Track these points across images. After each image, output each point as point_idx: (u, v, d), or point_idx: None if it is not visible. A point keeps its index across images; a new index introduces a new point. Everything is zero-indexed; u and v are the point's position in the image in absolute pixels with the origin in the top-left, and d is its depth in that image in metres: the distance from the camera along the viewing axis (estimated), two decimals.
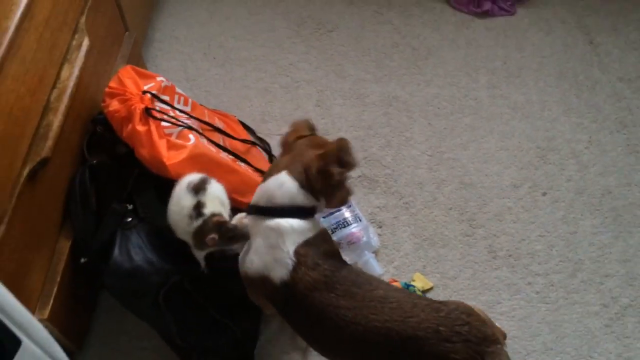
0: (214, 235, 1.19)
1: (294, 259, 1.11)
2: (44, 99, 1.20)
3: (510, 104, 1.92)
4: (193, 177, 1.27)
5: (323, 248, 1.15)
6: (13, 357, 0.83)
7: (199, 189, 1.24)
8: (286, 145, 1.24)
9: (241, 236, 1.20)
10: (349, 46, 2.06)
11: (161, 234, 1.29)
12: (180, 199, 1.24)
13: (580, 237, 1.63)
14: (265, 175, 1.22)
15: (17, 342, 0.83)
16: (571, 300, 1.52)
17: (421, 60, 2.03)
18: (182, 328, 1.28)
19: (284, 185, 1.16)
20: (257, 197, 1.19)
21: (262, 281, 1.13)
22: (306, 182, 1.16)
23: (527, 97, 1.94)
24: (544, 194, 1.71)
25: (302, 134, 1.23)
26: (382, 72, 1.99)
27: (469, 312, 1.07)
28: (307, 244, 1.13)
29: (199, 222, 1.21)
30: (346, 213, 1.57)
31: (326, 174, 1.14)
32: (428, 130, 1.84)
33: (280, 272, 1.11)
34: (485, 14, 2.17)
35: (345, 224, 1.56)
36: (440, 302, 1.08)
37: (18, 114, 1.09)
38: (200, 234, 1.21)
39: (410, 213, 1.67)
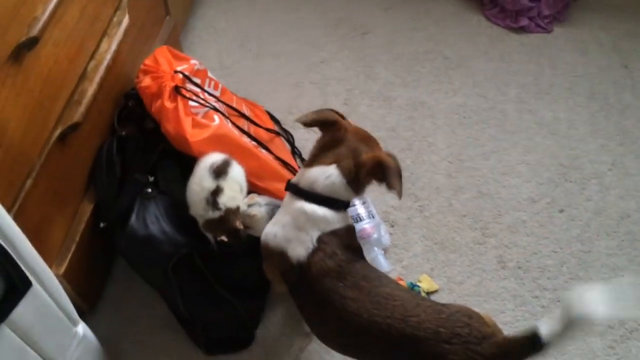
0: (223, 238, 1.23)
1: (315, 244, 1.13)
2: (81, 67, 1.27)
3: (537, 119, 1.92)
4: (216, 157, 1.30)
5: (345, 241, 1.17)
6: (22, 297, 0.89)
7: (220, 172, 1.27)
8: (336, 131, 1.21)
9: (247, 241, 1.23)
10: (381, 49, 2.09)
11: (178, 208, 1.34)
12: (202, 179, 1.27)
13: (593, 257, 1.62)
14: (311, 158, 1.22)
15: (27, 284, 0.89)
16: None
17: (451, 69, 2.05)
18: (188, 300, 1.33)
19: (330, 177, 1.17)
20: (300, 178, 1.20)
21: (280, 256, 1.16)
22: (353, 179, 1.18)
23: (555, 115, 1.94)
24: (561, 211, 1.71)
25: (348, 127, 1.23)
26: (412, 77, 2.02)
27: (471, 314, 1.07)
28: (332, 233, 1.16)
29: (215, 214, 1.24)
30: (360, 209, 1.60)
31: (376, 177, 1.17)
32: (451, 138, 1.86)
33: (298, 252, 1.13)
34: (522, 30, 2.18)
35: (358, 219, 1.58)
36: (443, 305, 1.10)
37: (55, 77, 1.16)
38: (211, 226, 1.25)
39: (423, 216, 1.68)
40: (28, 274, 0.90)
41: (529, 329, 1.00)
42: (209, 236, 1.29)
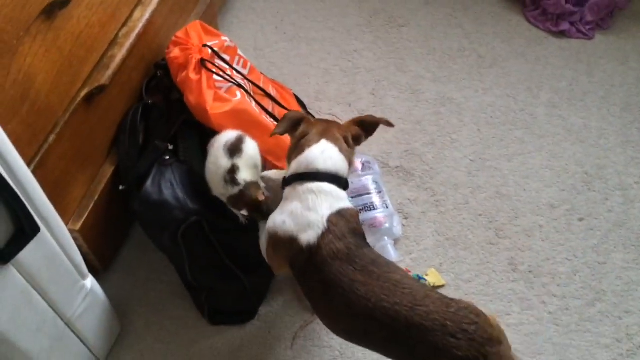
0: (244, 212, 1.27)
1: (325, 225, 1.14)
2: (112, 32, 1.32)
3: (567, 125, 1.89)
4: (229, 135, 1.33)
5: (352, 225, 1.18)
6: (29, 241, 0.93)
7: (235, 150, 1.29)
8: (306, 124, 1.28)
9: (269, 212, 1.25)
10: (415, 43, 2.09)
11: (193, 177, 1.38)
12: (218, 158, 1.29)
13: (608, 268, 1.58)
14: (290, 152, 1.27)
15: (35, 229, 0.94)
16: (584, 328, 1.49)
17: (484, 68, 2.03)
18: (195, 267, 1.37)
19: (325, 151, 1.21)
20: (295, 167, 1.22)
21: (290, 242, 1.17)
22: (343, 147, 1.24)
23: (586, 122, 1.90)
24: (581, 219, 1.67)
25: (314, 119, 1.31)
26: (443, 73, 2.00)
27: (478, 313, 1.07)
28: (339, 214, 1.17)
29: (235, 190, 1.27)
30: (375, 197, 1.61)
31: (364, 132, 1.30)
32: (476, 136, 1.85)
33: (309, 235, 1.14)
34: (562, 34, 2.13)
35: (371, 207, 1.59)
36: (452, 299, 1.09)
37: (85, 39, 1.20)
38: (234, 201, 1.28)
39: (439, 211, 1.68)
40: (38, 220, 0.95)
41: None
42: (237, 213, 1.32)
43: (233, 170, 1.28)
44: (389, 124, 1.31)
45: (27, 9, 1.01)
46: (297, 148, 1.24)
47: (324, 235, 1.14)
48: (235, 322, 1.48)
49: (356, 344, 1.20)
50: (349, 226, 1.17)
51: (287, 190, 1.23)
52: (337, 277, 1.11)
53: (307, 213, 1.16)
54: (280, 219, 1.20)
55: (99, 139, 1.38)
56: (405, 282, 1.11)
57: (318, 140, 1.22)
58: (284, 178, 1.25)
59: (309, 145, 1.22)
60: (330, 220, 1.15)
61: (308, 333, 1.46)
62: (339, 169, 1.21)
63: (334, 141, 1.23)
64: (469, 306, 1.08)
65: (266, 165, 1.48)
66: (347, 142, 1.26)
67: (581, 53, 2.08)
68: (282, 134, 1.27)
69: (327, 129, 1.26)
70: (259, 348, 1.44)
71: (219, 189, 1.30)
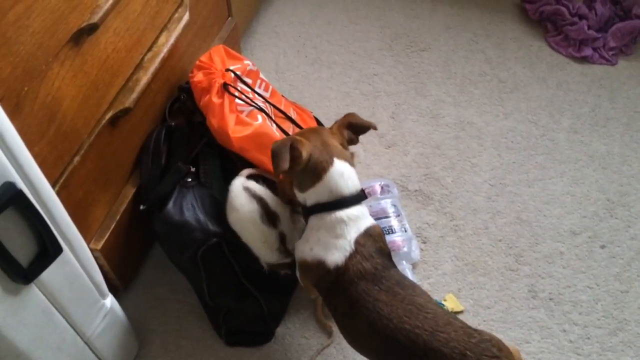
0: (287, 272, 1.29)
1: (353, 247, 1.15)
2: (138, 57, 1.35)
3: (589, 151, 1.87)
4: (248, 205, 1.30)
5: (379, 245, 1.19)
6: (52, 261, 0.95)
7: (271, 217, 1.30)
8: (303, 149, 1.18)
9: None
10: (436, 67, 2.10)
11: (214, 199, 1.40)
12: (263, 233, 1.30)
13: (631, 297, 1.55)
14: (301, 184, 1.20)
15: (58, 249, 0.96)
16: (605, 358, 1.46)
17: (505, 93, 2.02)
18: (213, 287, 1.38)
19: (344, 173, 1.18)
20: (316, 197, 1.19)
21: (317, 266, 1.18)
22: (351, 161, 1.23)
23: (608, 148, 1.88)
24: (603, 247, 1.65)
25: (302, 136, 1.22)
26: (463, 98, 2.01)
27: (501, 347, 1.06)
28: (367, 234, 1.17)
29: (288, 259, 1.30)
30: (393, 221, 1.61)
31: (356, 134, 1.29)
32: (496, 161, 1.84)
33: (336, 257, 1.15)
34: (584, 60, 2.13)
35: (390, 231, 1.59)
36: (475, 330, 1.09)
37: (112, 64, 1.24)
38: (281, 266, 1.31)
39: (457, 236, 1.67)
40: (61, 240, 0.97)
41: None
42: (265, 265, 1.35)
43: (283, 239, 1.30)
44: (374, 127, 1.30)
45: (56, 36, 1.04)
46: (311, 174, 1.18)
47: (351, 256, 1.14)
48: (252, 344, 1.48)
49: None
50: (375, 246, 1.18)
51: (313, 219, 1.21)
52: (362, 296, 1.12)
53: (335, 241, 1.17)
54: (307, 247, 1.20)
55: (122, 161, 1.40)
56: (428, 307, 1.11)
57: (331, 162, 1.18)
58: (305, 207, 1.23)
59: (325, 169, 1.17)
60: (358, 241, 1.16)
61: (325, 357, 1.46)
62: (357, 187, 1.21)
63: (344, 157, 1.21)
64: (492, 339, 1.07)
65: None
66: (344, 148, 1.24)
67: (603, 79, 2.07)
68: (287, 167, 1.14)
69: (326, 141, 1.21)
70: None
71: (271, 259, 1.32)
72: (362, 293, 1.12)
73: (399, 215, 1.63)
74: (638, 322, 1.51)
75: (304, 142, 1.18)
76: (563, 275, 1.60)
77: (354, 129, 1.28)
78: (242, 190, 1.32)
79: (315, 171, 1.18)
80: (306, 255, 1.20)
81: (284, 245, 1.31)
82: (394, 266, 1.19)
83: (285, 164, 1.12)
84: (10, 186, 0.82)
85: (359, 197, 1.21)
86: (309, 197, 1.20)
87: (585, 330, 1.50)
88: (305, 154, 1.16)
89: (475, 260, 1.62)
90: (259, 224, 1.30)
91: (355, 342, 1.20)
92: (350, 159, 1.23)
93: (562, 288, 1.57)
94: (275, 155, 1.14)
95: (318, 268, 1.17)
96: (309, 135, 1.22)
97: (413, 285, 1.16)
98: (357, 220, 1.18)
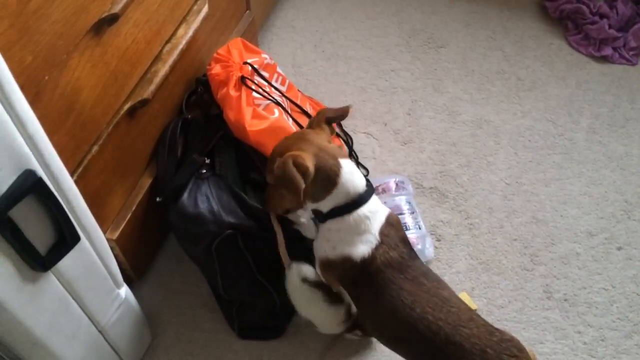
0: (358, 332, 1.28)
1: (379, 239, 1.15)
2: (157, 49, 1.35)
3: (608, 152, 1.85)
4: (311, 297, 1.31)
5: (401, 233, 1.20)
6: (70, 249, 0.96)
7: (335, 300, 1.30)
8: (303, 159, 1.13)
9: None
10: (454, 64, 2.08)
11: (229, 190, 1.40)
12: (331, 314, 1.31)
13: None
14: (314, 194, 1.16)
15: (76, 238, 0.96)
16: None
17: (523, 92, 2.01)
18: (227, 280, 1.38)
19: (353, 172, 1.17)
20: (334, 201, 1.16)
21: (343, 262, 1.17)
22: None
23: (627, 149, 1.86)
24: (619, 248, 1.63)
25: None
26: (481, 95, 1.99)
27: (521, 349, 1.06)
28: (388, 223, 1.17)
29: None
30: (407, 218, 1.60)
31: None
32: (512, 160, 1.82)
33: (362, 250, 1.14)
34: (604, 59, 2.10)
35: (404, 228, 1.57)
36: (497, 329, 1.08)
37: (131, 55, 1.24)
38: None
39: (472, 234, 1.66)
40: (78, 229, 0.98)
41: None
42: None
43: (349, 313, 1.30)
44: (348, 111, 1.25)
45: (77, 26, 1.04)
46: (324, 183, 1.14)
47: (377, 247, 1.14)
48: (264, 337, 1.48)
49: (399, 354, 1.20)
50: (398, 235, 1.19)
51: (331, 222, 1.18)
52: (387, 283, 1.12)
53: (359, 237, 1.16)
54: (329, 246, 1.19)
55: (139, 151, 1.41)
56: (453, 301, 1.11)
57: (339, 164, 1.14)
58: (320, 213, 1.20)
59: (337, 174, 1.14)
60: (382, 232, 1.16)
61: (336, 353, 1.45)
62: (364, 179, 1.20)
63: (343, 154, 1.18)
64: (512, 339, 1.07)
65: None
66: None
67: (623, 79, 2.04)
68: (304, 184, 1.11)
69: (321, 145, 1.16)
70: None
71: (338, 331, 1.33)
72: (388, 281, 1.12)
73: (413, 213, 1.62)
74: None
75: (304, 154, 1.11)
76: (578, 276, 1.58)
77: (331, 121, 1.25)
78: (301, 285, 1.29)
79: (328, 179, 1.14)
80: (329, 254, 1.19)
81: (350, 313, 1.31)
82: (418, 257, 1.19)
83: (301, 182, 1.07)
84: (31, 174, 0.82)
85: (371, 189, 1.20)
86: (326, 204, 1.17)
87: (600, 332, 1.49)
88: (311, 166, 1.11)
89: (489, 259, 1.61)
90: (326, 308, 1.28)
91: (377, 331, 1.21)
92: (345, 153, 1.22)
93: (578, 289, 1.56)
94: (287, 181, 1.08)
95: (344, 263, 1.17)
96: (301, 145, 1.15)
97: (438, 279, 1.16)
98: (376, 212, 1.17)
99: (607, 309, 1.52)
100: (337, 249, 1.18)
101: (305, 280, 1.29)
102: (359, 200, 1.17)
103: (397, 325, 1.11)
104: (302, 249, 1.33)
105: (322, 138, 1.19)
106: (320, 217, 1.21)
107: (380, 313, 1.14)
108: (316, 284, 1.29)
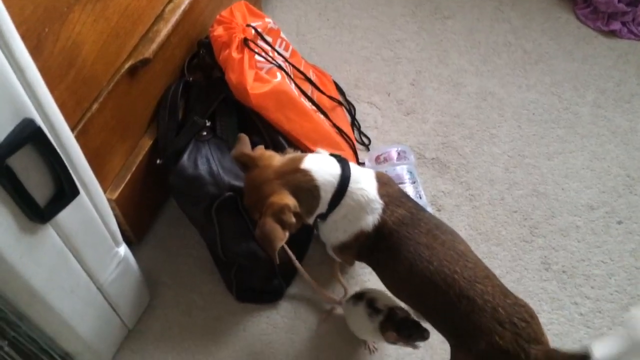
0: (392, 332, 1.23)
1: (381, 201, 1.15)
2: (159, 7, 1.34)
3: (612, 127, 1.83)
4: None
5: (396, 189, 1.20)
6: (69, 202, 0.96)
7: (377, 308, 1.28)
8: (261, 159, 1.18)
9: (418, 330, 1.20)
10: (460, 35, 2.06)
11: (228, 154, 1.39)
12: (373, 328, 1.27)
13: None
14: (302, 196, 1.14)
15: (75, 191, 0.96)
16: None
17: (529, 65, 1.98)
18: (226, 242, 1.38)
19: (320, 163, 1.16)
20: (327, 196, 1.15)
21: (356, 238, 1.17)
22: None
23: (632, 125, 1.84)
24: (620, 222, 1.63)
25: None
26: (486, 67, 1.97)
27: (533, 315, 1.06)
28: (381, 184, 1.18)
29: (380, 317, 1.25)
30: (408, 187, 1.60)
31: None
32: (516, 132, 1.81)
33: (371, 220, 1.14)
34: (612, 34, 2.07)
35: None
36: (512, 294, 1.09)
37: (133, 12, 1.23)
38: (382, 329, 1.27)
39: (473, 205, 1.66)
40: (78, 183, 0.97)
41: (581, 348, 0.94)
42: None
43: (372, 304, 1.28)
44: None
45: None
46: (310, 201, 1.15)
47: (384, 210, 1.15)
48: (262, 301, 1.49)
49: (416, 310, 1.21)
50: (396, 191, 1.20)
51: (334, 214, 1.18)
52: (404, 241, 1.12)
53: (363, 210, 1.15)
54: (339, 233, 1.19)
55: (139, 112, 1.40)
56: (469, 256, 1.12)
57: (305, 171, 1.14)
58: (319, 216, 1.19)
59: (312, 181, 1.14)
60: (381, 194, 1.16)
61: (335, 317, 1.46)
62: (330, 158, 1.19)
63: (299, 159, 1.17)
64: (526, 305, 1.07)
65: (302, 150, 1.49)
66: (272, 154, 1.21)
67: (630, 54, 2.02)
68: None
69: (281, 171, 1.15)
70: (283, 328, 1.45)
71: (367, 328, 1.30)
72: (404, 238, 1.12)
73: (414, 182, 1.62)
74: None
75: (277, 199, 1.11)
76: (577, 248, 1.58)
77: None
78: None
79: (310, 192, 1.14)
80: (342, 238, 1.19)
81: (373, 306, 1.29)
82: (425, 209, 1.20)
83: (279, 243, 1.09)
84: (30, 123, 0.82)
85: (343, 161, 1.18)
86: (320, 210, 1.17)
87: (597, 304, 1.49)
88: (291, 203, 1.11)
89: (489, 230, 1.61)
90: (369, 323, 1.27)
91: (394, 287, 1.21)
92: (297, 154, 1.20)
93: (576, 261, 1.56)
94: (267, 242, 1.10)
95: (358, 239, 1.17)
96: (266, 189, 1.13)
97: (452, 231, 1.17)
98: (364, 178, 1.17)
99: (605, 281, 1.53)
100: (348, 231, 1.18)
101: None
102: (344, 180, 1.16)
103: (414, 279, 1.11)
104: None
105: (274, 163, 1.16)
106: (323, 217, 1.20)
107: (398, 270, 1.14)
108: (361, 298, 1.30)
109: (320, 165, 1.16)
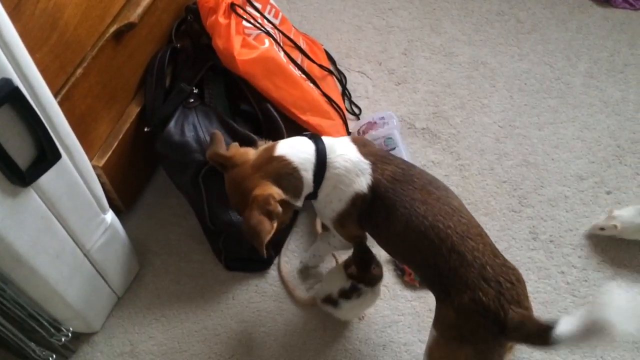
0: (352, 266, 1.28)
1: (366, 161, 1.15)
2: None
3: (604, 97, 1.82)
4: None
5: (377, 148, 1.20)
6: (50, 166, 0.95)
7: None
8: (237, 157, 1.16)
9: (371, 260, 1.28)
10: (453, 4, 2.03)
11: (220, 120, 1.38)
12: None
13: (633, 244, 1.54)
14: (286, 182, 1.14)
15: (56, 155, 0.95)
16: None
17: (522, 34, 1.96)
18: (214, 210, 1.38)
19: (293, 144, 1.16)
20: (309, 176, 1.15)
21: (353, 203, 1.16)
22: None
23: (623, 95, 1.83)
24: (608, 192, 1.63)
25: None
26: (479, 37, 1.95)
27: (520, 279, 1.06)
28: (360, 145, 1.18)
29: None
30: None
31: None
32: (507, 103, 1.80)
33: (364, 180, 1.14)
34: (606, 3, 2.05)
35: None
36: (503, 256, 1.09)
37: None
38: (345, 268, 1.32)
39: (462, 175, 1.66)
40: (60, 147, 0.97)
41: (550, 320, 0.95)
42: None
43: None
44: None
45: None
46: (290, 183, 1.14)
47: (373, 170, 1.14)
48: (251, 270, 1.50)
49: (409, 266, 1.23)
50: (377, 150, 1.19)
51: (323, 189, 1.18)
52: (400, 197, 1.12)
53: (352, 174, 1.15)
54: (334, 204, 1.18)
55: (126, 79, 1.38)
56: (463, 212, 1.12)
57: (282, 158, 1.14)
58: (311, 193, 1.18)
59: (290, 165, 1.13)
60: (364, 154, 1.16)
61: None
62: (303, 139, 1.19)
63: (272, 147, 1.16)
64: (515, 270, 1.07)
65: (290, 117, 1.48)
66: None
67: (625, 24, 2.00)
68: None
69: (257, 163, 1.14)
70: (272, 296, 1.46)
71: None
72: (400, 195, 1.12)
73: (394, 148, 1.60)
74: (638, 269, 1.50)
75: (260, 190, 1.10)
76: (566, 218, 1.58)
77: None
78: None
79: (292, 176, 1.14)
80: (338, 208, 1.18)
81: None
82: (415, 165, 1.19)
83: (266, 236, 1.09)
84: (7, 82, 0.81)
85: (315, 136, 1.19)
86: (307, 189, 1.17)
87: (584, 273, 1.50)
88: (275, 192, 1.11)
89: (478, 200, 1.61)
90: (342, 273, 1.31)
91: (389, 245, 1.21)
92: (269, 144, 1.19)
93: (564, 231, 1.56)
94: (254, 235, 1.09)
95: (355, 203, 1.16)
96: (248, 184, 1.13)
97: (446, 187, 1.17)
98: (338, 148, 1.16)
99: (593, 251, 1.53)
100: (343, 198, 1.17)
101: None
102: (320, 153, 1.15)
103: (409, 235, 1.11)
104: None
105: (250, 158, 1.15)
106: (314, 196, 1.20)
107: (394, 227, 1.13)
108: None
109: (293, 147, 1.16)
